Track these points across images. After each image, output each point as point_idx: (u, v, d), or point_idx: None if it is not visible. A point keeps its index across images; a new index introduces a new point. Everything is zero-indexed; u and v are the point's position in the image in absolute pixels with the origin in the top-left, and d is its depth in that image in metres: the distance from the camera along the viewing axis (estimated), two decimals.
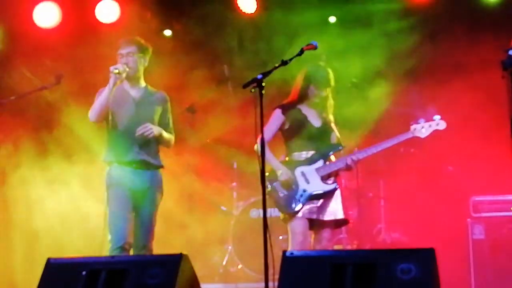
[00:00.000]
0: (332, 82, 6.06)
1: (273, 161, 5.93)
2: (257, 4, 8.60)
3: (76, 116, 7.22)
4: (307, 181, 5.87)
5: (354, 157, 5.89)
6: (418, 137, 5.94)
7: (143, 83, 5.99)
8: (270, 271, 4.64)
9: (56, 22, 8.65)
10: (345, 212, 5.98)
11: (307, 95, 6.04)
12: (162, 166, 5.97)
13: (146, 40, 6.05)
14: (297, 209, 5.81)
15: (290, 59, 5.18)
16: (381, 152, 6.02)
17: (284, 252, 4.40)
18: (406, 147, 8.07)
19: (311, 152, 5.96)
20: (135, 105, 5.85)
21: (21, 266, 7.86)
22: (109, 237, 5.62)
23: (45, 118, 8.29)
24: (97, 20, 8.61)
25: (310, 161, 5.93)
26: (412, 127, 5.93)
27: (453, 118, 6.17)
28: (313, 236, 5.97)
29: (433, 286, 3.95)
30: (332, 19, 8.85)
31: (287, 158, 6.04)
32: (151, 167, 5.83)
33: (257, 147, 5.59)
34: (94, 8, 8.61)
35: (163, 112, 5.97)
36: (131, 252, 5.62)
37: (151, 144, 5.83)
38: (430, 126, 5.91)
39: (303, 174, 5.89)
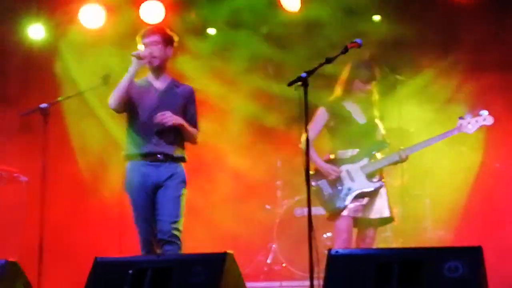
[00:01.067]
0: (378, 76, 6.03)
1: (318, 160, 5.92)
2: (301, 2, 8.59)
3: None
4: (352, 180, 5.85)
5: (403, 154, 5.84)
6: (465, 133, 5.88)
7: (168, 75, 5.73)
8: (315, 269, 4.62)
9: (101, 23, 8.74)
10: (391, 210, 5.94)
11: (352, 90, 5.99)
12: (183, 160, 5.66)
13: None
14: (342, 207, 5.79)
15: (335, 57, 5.14)
16: (426, 149, 5.97)
17: (329, 250, 4.37)
18: (453, 144, 7.98)
19: (356, 150, 5.93)
20: (158, 96, 5.60)
21: None
22: None
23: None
24: (142, 20, 8.67)
25: (355, 159, 5.91)
26: (459, 122, 5.86)
27: (501, 113, 6.09)
28: (357, 234, 5.96)
29: (481, 284, 3.89)
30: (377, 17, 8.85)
31: (332, 156, 6.01)
32: (169, 159, 5.53)
33: (302, 145, 5.58)
34: (139, 9, 8.67)
35: (187, 105, 5.67)
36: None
37: (171, 136, 5.54)
38: (477, 121, 5.82)
39: (348, 172, 5.88)
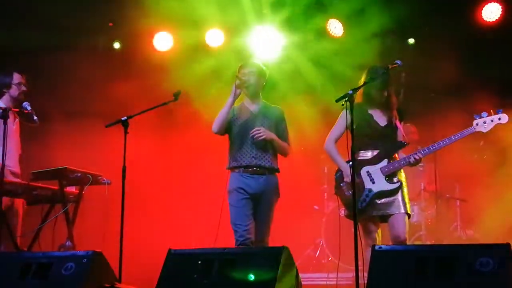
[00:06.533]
0: (392, 82, 5.72)
1: (341, 163, 5.71)
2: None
3: None
4: (373, 181, 5.54)
5: (417, 156, 5.51)
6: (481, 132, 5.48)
7: (261, 100, 6.07)
8: (360, 262, 4.59)
9: (170, 47, 8.98)
10: (406, 206, 5.53)
11: (371, 95, 5.68)
12: (277, 170, 5.97)
13: None
14: (363, 208, 5.52)
15: (377, 77, 5.23)
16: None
17: (374, 246, 4.38)
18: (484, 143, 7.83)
19: (376, 151, 5.62)
20: (253, 117, 5.96)
21: None
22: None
23: None
24: (207, 44, 8.86)
25: (375, 160, 5.60)
26: (475, 122, 5.46)
27: None
28: (379, 231, 5.66)
29: (509, 277, 3.86)
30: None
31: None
32: (266, 171, 5.86)
33: (326, 146, 5.75)
34: (204, 35, 8.86)
35: (278, 123, 6.00)
36: None
37: (266, 150, 5.88)
38: (492, 121, 5.42)
39: (368, 174, 5.57)
